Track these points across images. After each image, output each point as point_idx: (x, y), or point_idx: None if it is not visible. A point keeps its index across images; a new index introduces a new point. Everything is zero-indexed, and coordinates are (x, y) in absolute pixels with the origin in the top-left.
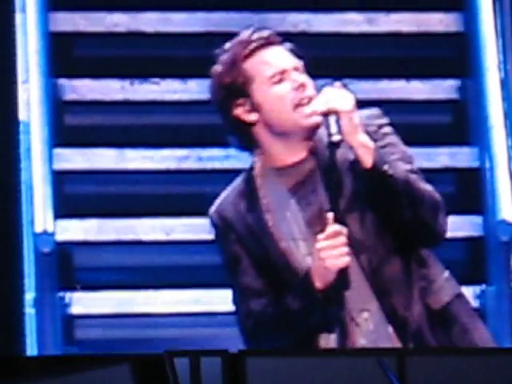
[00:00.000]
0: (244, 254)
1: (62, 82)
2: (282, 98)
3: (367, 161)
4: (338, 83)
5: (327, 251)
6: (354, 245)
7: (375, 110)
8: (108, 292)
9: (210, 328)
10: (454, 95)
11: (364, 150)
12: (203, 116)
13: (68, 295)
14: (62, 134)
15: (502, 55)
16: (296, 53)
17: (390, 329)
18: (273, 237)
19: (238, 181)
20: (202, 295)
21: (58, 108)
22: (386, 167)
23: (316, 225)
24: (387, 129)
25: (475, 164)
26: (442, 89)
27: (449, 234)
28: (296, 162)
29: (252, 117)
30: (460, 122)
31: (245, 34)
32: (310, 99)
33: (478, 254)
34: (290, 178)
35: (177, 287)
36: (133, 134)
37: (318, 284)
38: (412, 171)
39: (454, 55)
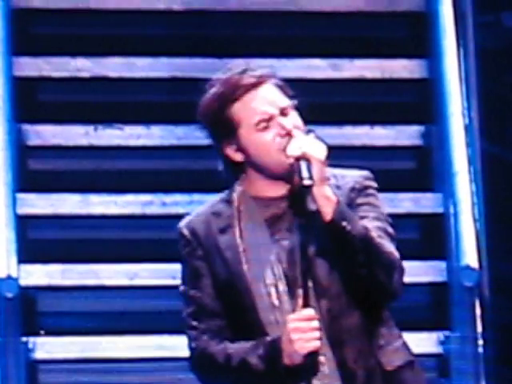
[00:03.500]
0: (207, 272)
1: (26, 127)
2: (267, 145)
3: (327, 213)
4: (312, 134)
5: (298, 334)
6: (318, 289)
7: (368, 173)
8: (72, 337)
9: (174, 373)
10: (417, 141)
11: (326, 202)
12: (167, 161)
13: (32, 340)
14: (26, 179)
15: (466, 101)
16: (284, 89)
17: None
18: (241, 264)
19: (214, 201)
20: (165, 340)
21: (21, 153)
22: (344, 223)
23: (286, 263)
24: (372, 191)
25: (439, 210)
26: (405, 135)
27: (413, 279)
28: (277, 196)
29: (238, 157)
30: (424, 168)
31: (234, 76)
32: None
33: (441, 299)
34: (268, 209)
35: (141, 332)
36: (97, 179)
37: (286, 360)
38: (382, 230)
39: (418, 101)
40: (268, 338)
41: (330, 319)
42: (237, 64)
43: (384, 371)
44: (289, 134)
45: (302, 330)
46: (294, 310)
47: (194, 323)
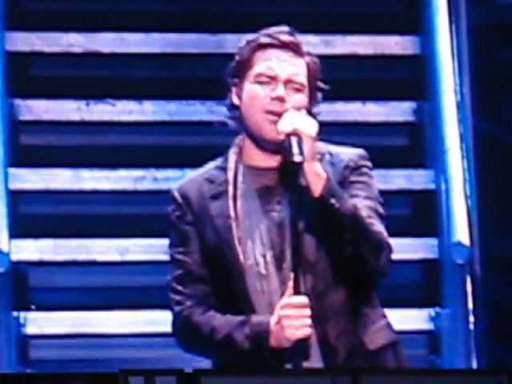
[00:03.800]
0: (195, 237)
1: (18, 101)
2: (254, 97)
3: (316, 190)
4: (304, 110)
5: (289, 320)
6: (305, 265)
7: (362, 151)
8: (63, 312)
9: (164, 349)
10: (410, 117)
11: (316, 178)
12: (159, 137)
13: (23, 315)
14: (18, 154)
15: (458, 78)
16: (313, 73)
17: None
18: (231, 232)
19: (209, 167)
20: (156, 316)
21: (13, 128)
22: (332, 200)
23: (275, 235)
24: (366, 170)
25: (431, 186)
26: (398, 111)
27: (404, 256)
28: (268, 167)
29: (235, 100)
30: (416, 145)
31: (276, 29)
32: (280, 115)
33: (433, 276)
34: (260, 179)
35: (132, 308)
36: (88, 155)
37: (273, 343)
38: (373, 209)
39: (411, 78)
40: (256, 317)
41: (315, 295)
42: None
43: (366, 350)
44: (280, 100)
45: (293, 317)
46: (281, 282)
47: (179, 287)
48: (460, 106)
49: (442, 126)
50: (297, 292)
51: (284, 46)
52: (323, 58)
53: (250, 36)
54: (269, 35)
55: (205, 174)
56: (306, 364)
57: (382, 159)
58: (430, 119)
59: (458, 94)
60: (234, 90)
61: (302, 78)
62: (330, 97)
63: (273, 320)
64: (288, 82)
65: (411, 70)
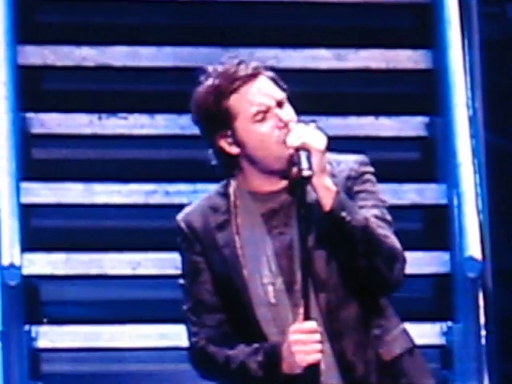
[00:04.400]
0: (205, 267)
1: (30, 115)
2: (265, 137)
3: (326, 204)
4: (312, 124)
5: (299, 346)
6: (316, 282)
7: (363, 157)
8: (74, 326)
9: (176, 363)
10: (422, 132)
11: (325, 192)
12: (171, 151)
13: (34, 329)
14: (30, 168)
15: (470, 92)
16: (278, 82)
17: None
18: (238, 262)
19: (211, 194)
20: (168, 330)
21: (25, 142)
22: (344, 213)
23: (284, 258)
24: (368, 176)
25: (443, 201)
26: (410, 125)
27: (416, 271)
28: (273, 191)
29: (234, 150)
30: (428, 159)
31: (231, 68)
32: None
33: (445, 290)
34: (264, 204)
35: (143, 322)
36: (100, 168)
37: (285, 369)
38: (381, 219)
39: (423, 92)
40: (268, 344)
41: (329, 312)
42: (229, 56)
43: (383, 362)
44: (286, 126)
45: (303, 343)
46: (293, 308)
47: (194, 318)
48: (472, 120)
49: (454, 141)
50: (307, 318)
51: (250, 76)
52: (336, 72)
53: (208, 84)
54: (232, 77)
55: (208, 202)
56: (325, 382)
57: (394, 174)
58: (442, 134)
59: (471, 108)
60: (223, 141)
61: (279, 92)
62: (342, 111)
63: (284, 346)
64: (278, 105)
65: (423, 84)
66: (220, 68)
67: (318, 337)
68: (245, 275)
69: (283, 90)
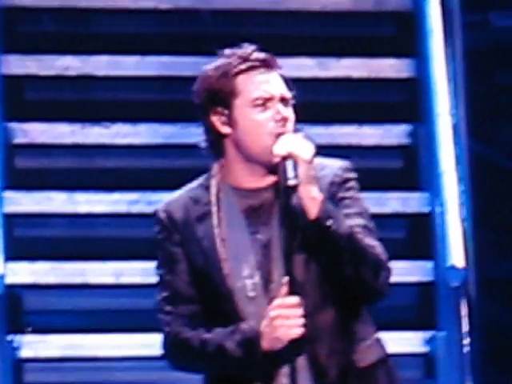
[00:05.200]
0: (183, 258)
1: (13, 125)
2: (260, 124)
3: (312, 213)
4: (301, 133)
5: (282, 320)
6: (293, 286)
7: (347, 163)
8: (57, 335)
9: (160, 372)
10: (405, 140)
11: (311, 202)
12: (153, 160)
13: (17, 338)
14: (13, 177)
15: (453, 100)
16: (289, 84)
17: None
18: (217, 255)
19: (193, 186)
20: (152, 339)
21: (8, 151)
22: (329, 222)
23: (262, 257)
24: (352, 183)
25: (426, 209)
26: (393, 134)
27: (399, 279)
28: (256, 188)
29: (225, 129)
30: (411, 167)
31: (246, 51)
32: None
33: (428, 299)
34: (246, 200)
35: (127, 331)
36: (83, 178)
37: (265, 345)
38: (365, 227)
39: (405, 100)
40: (245, 325)
41: (303, 316)
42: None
43: (357, 368)
44: (283, 121)
45: (285, 317)
46: (269, 302)
47: (169, 308)
48: (455, 128)
49: (437, 149)
50: (290, 293)
51: (263, 64)
52: (318, 80)
53: (219, 62)
54: (244, 58)
55: (189, 193)
56: None
57: (377, 182)
58: (425, 142)
59: (453, 116)
60: (216, 118)
61: (287, 91)
62: (325, 119)
63: (263, 323)
64: (282, 100)
65: (406, 92)
66: (236, 50)
67: (300, 311)
68: (224, 268)
69: (291, 93)
